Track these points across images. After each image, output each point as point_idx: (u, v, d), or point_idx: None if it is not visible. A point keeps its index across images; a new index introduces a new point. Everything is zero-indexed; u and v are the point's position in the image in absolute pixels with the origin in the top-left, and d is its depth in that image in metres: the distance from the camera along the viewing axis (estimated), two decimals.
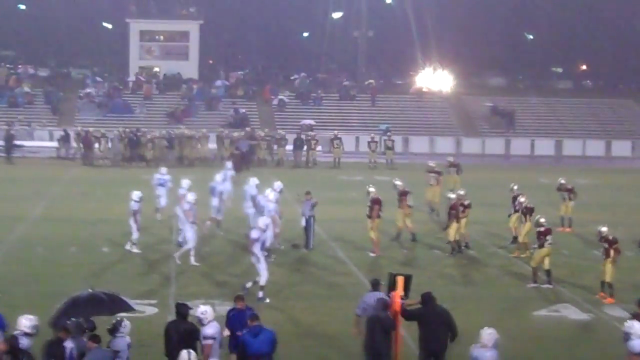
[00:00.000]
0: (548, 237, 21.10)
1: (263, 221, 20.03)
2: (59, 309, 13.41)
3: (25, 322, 12.75)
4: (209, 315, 13.30)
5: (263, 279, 19.37)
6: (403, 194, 25.85)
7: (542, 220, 21.57)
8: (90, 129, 48.34)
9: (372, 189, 25.25)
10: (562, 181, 29.59)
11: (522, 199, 24.71)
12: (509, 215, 25.79)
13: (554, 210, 28.83)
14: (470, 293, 20.60)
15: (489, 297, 20.44)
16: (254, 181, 25.70)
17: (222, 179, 27.28)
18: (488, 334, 12.80)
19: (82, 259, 23.24)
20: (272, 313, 17.85)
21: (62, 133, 49.99)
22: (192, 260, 22.60)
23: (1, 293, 19.09)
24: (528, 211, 24.15)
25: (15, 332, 12.67)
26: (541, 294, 20.65)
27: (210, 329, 13.24)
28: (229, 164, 30.89)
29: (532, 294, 20.63)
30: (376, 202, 24.49)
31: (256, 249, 19.35)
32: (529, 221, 23.94)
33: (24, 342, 12.54)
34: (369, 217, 24.47)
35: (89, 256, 23.56)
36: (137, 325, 13.55)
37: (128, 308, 14.06)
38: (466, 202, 24.72)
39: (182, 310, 13.59)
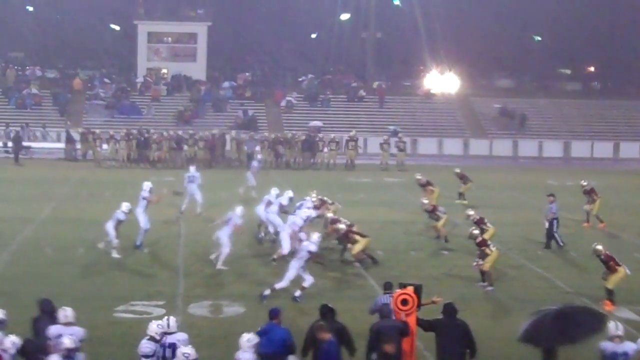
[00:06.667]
0: None
1: (317, 236, 20.17)
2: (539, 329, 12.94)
3: (155, 327, 12.80)
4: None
5: (282, 283, 19.61)
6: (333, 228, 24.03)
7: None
8: (215, 131, 48.18)
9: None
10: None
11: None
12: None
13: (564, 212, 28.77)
14: (470, 293, 20.56)
15: (489, 297, 20.43)
16: (288, 194, 25.59)
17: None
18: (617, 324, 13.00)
19: (89, 260, 23.28)
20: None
21: (66, 134, 50.17)
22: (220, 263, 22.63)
23: (9, 294, 19.12)
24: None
25: (145, 338, 12.74)
26: (541, 294, 20.60)
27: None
28: (192, 168, 30.97)
29: (532, 294, 20.58)
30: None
31: (302, 259, 19.56)
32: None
33: (149, 347, 12.60)
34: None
35: (97, 257, 23.59)
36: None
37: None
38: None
39: (327, 310, 13.86)
